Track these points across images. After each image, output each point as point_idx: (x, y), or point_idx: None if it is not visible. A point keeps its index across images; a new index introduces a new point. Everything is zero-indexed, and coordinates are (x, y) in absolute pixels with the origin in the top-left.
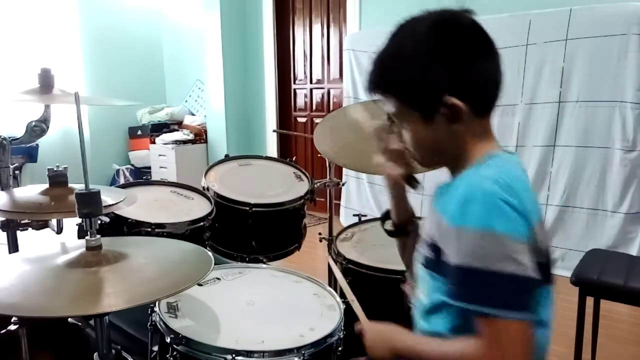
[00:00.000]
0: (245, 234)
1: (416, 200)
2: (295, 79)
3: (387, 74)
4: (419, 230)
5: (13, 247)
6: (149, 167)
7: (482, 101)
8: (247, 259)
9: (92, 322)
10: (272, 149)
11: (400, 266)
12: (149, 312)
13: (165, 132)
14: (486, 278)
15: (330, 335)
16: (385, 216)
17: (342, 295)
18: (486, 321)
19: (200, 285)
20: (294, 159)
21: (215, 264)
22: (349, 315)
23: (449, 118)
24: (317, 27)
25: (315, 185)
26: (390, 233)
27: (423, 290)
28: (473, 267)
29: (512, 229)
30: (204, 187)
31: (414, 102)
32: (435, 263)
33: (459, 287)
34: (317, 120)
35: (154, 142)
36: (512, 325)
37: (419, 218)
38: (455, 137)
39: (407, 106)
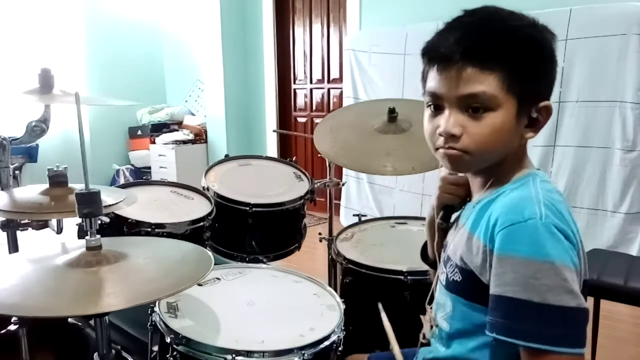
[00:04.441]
0: (245, 234)
1: (416, 200)
2: (295, 79)
3: (506, 49)
4: None
5: (13, 247)
6: (149, 167)
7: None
8: (247, 259)
9: (92, 322)
10: (272, 149)
11: (400, 266)
12: (149, 312)
13: (165, 132)
14: (541, 312)
15: (330, 335)
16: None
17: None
18: (539, 357)
19: (200, 285)
20: (294, 159)
21: (215, 264)
22: (349, 315)
23: (530, 123)
24: (317, 27)
25: (315, 185)
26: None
27: (443, 315)
28: (525, 300)
29: (566, 258)
30: (204, 187)
31: (522, 91)
32: (462, 287)
33: (507, 321)
34: (317, 120)
35: (154, 142)
36: None
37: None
38: (518, 146)
39: (512, 91)
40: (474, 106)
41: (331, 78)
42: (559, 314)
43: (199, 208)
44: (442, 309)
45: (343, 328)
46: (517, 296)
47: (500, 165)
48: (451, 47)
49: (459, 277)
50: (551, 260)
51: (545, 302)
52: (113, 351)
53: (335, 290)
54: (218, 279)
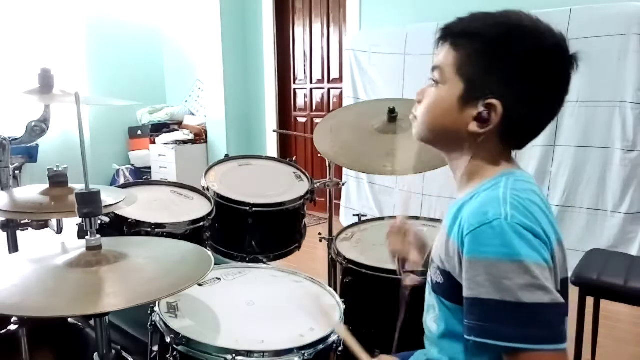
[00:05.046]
0: (245, 234)
1: (416, 200)
2: (295, 79)
3: (474, 34)
4: None
5: (13, 247)
6: (149, 167)
7: (517, 131)
8: (247, 259)
9: (92, 322)
10: (272, 149)
11: None
12: (149, 312)
13: (165, 132)
14: (516, 311)
15: (330, 335)
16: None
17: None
18: (520, 356)
19: (200, 285)
20: (294, 159)
21: (215, 264)
22: (349, 315)
23: (478, 117)
24: (317, 27)
25: (315, 185)
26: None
27: (433, 316)
28: (498, 300)
29: (536, 255)
30: (204, 187)
31: (469, 77)
32: (444, 288)
33: (484, 323)
34: (317, 120)
35: (154, 142)
36: (549, 357)
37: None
38: (466, 136)
39: (461, 73)
40: (434, 78)
41: (331, 78)
42: (534, 312)
43: (199, 208)
44: (432, 311)
45: None
46: (491, 297)
47: (466, 160)
48: (447, 23)
49: (441, 279)
50: (520, 259)
51: (519, 301)
52: (113, 351)
53: (335, 290)
54: (218, 279)
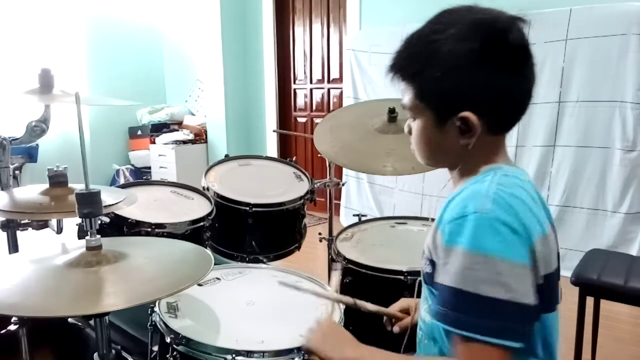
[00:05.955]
0: (245, 234)
1: (416, 200)
2: (295, 79)
3: (415, 65)
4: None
5: (13, 247)
6: (149, 167)
7: (501, 121)
8: (247, 259)
9: (92, 322)
10: (272, 149)
11: (400, 266)
12: (149, 312)
13: (165, 132)
14: (473, 301)
15: None
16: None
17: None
18: (468, 345)
19: (200, 285)
20: (294, 159)
21: (215, 264)
22: (349, 315)
23: (460, 131)
24: (317, 27)
25: (315, 185)
26: None
27: (426, 307)
28: (459, 289)
29: (507, 252)
30: (204, 187)
31: (432, 103)
32: (432, 278)
33: (444, 309)
34: (317, 120)
35: (154, 142)
36: (488, 351)
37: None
38: (461, 148)
39: (424, 103)
40: (409, 115)
41: (331, 78)
42: (489, 305)
43: (199, 208)
44: (425, 302)
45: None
46: (454, 285)
47: (460, 164)
48: (391, 60)
49: (430, 269)
50: (486, 254)
51: (477, 293)
52: (113, 351)
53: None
54: (218, 279)
